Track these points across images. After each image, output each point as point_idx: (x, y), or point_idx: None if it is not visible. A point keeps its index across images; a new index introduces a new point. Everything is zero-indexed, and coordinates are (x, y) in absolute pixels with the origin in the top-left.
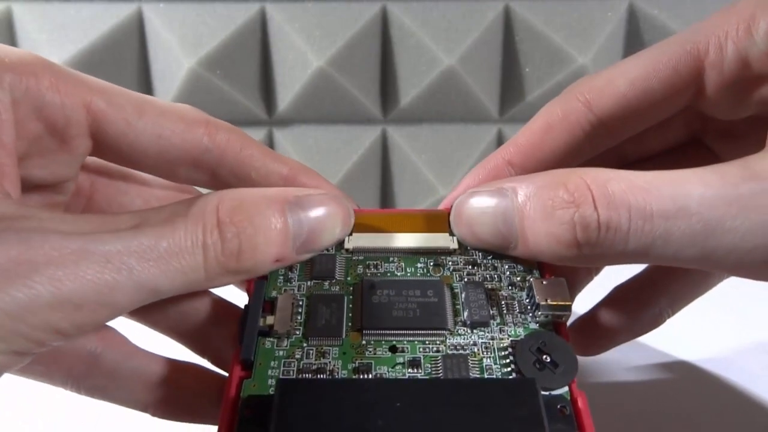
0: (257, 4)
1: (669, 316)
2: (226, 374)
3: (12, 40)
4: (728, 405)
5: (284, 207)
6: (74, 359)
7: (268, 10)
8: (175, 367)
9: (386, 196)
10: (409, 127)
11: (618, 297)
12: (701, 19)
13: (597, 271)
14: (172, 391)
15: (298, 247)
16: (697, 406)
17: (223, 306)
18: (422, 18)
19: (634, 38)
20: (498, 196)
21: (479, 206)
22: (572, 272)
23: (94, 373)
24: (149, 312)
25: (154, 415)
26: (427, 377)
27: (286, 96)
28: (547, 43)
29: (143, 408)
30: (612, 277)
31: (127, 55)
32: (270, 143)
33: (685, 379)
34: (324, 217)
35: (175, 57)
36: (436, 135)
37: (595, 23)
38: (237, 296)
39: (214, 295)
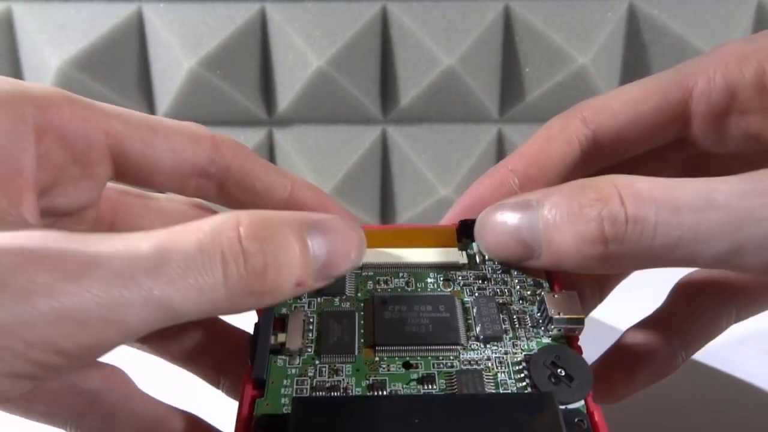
0: (257, 4)
1: (683, 360)
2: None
3: (12, 40)
4: (741, 407)
5: (303, 228)
6: (74, 398)
7: (268, 10)
8: (171, 413)
9: (386, 197)
10: (409, 127)
11: (629, 339)
12: (701, 20)
13: (607, 289)
14: None
15: (317, 271)
16: (705, 410)
17: (236, 335)
18: (422, 18)
19: (634, 38)
20: (523, 206)
21: (504, 218)
22: (581, 288)
23: (93, 412)
24: (165, 341)
25: None
26: (442, 393)
27: (286, 96)
28: (547, 43)
29: None
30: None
31: (127, 55)
32: (270, 143)
33: (696, 384)
34: (341, 240)
35: (175, 57)
36: (436, 135)
37: (595, 23)
38: (247, 322)
39: (228, 323)
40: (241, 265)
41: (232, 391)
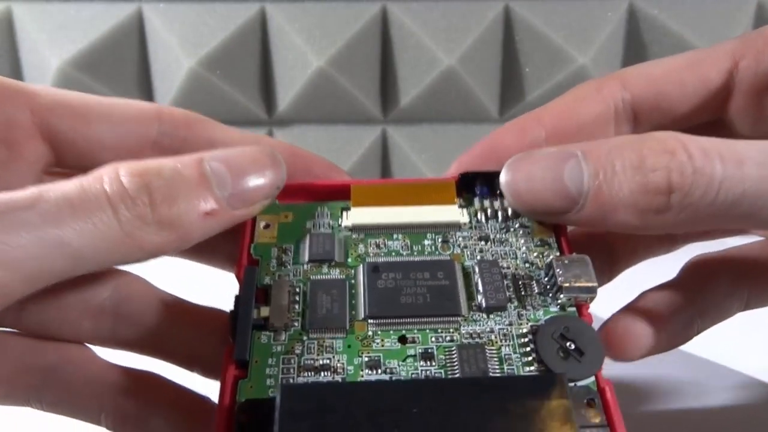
0: (257, 4)
1: (699, 330)
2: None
3: (12, 40)
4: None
5: (199, 159)
6: (30, 376)
7: (268, 10)
8: (130, 375)
9: None
10: (409, 127)
11: (644, 301)
12: (701, 20)
13: (619, 267)
14: (126, 402)
15: (228, 197)
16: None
17: (207, 316)
18: (422, 18)
19: (634, 38)
20: (564, 155)
21: (542, 165)
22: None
23: (51, 386)
24: (137, 338)
25: (109, 428)
26: (442, 372)
27: (286, 96)
28: (547, 43)
29: (98, 420)
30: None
31: (127, 55)
32: None
33: (704, 374)
34: (247, 160)
35: (175, 57)
36: (436, 135)
37: (595, 23)
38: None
39: (196, 305)
40: (127, 198)
41: (211, 372)
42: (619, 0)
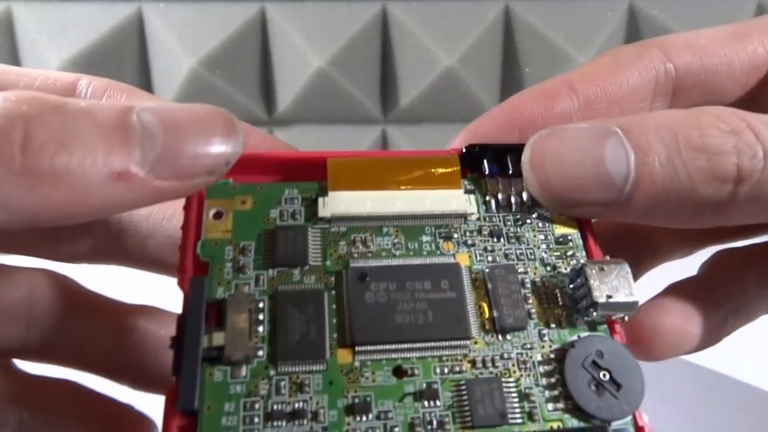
0: (257, 4)
1: (731, 330)
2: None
3: (12, 40)
4: None
5: (125, 106)
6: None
7: (268, 10)
8: (37, 384)
9: None
10: (409, 127)
11: (673, 294)
12: (701, 20)
13: (644, 267)
14: (31, 416)
15: (153, 160)
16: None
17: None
18: (422, 18)
19: (634, 38)
20: (601, 130)
21: (574, 142)
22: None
23: None
24: (50, 349)
25: None
26: (449, 414)
27: (286, 96)
28: (547, 43)
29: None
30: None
31: (127, 55)
32: None
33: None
34: (184, 111)
35: (175, 57)
36: (436, 135)
37: (595, 23)
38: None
39: (123, 304)
40: None
41: (143, 385)
42: (619, 0)
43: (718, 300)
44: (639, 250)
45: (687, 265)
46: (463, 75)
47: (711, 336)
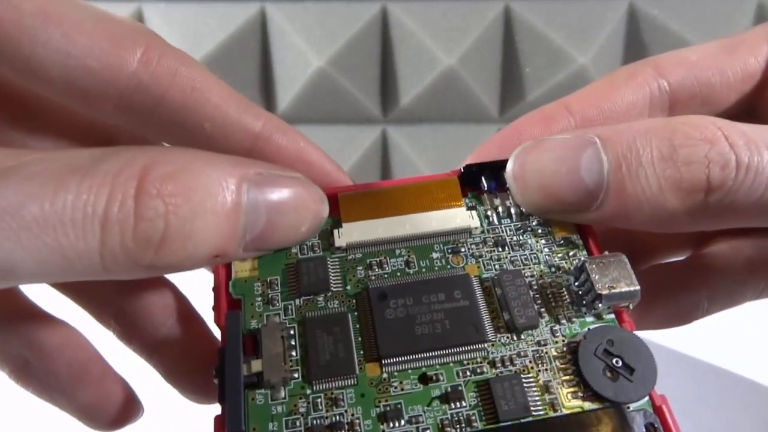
0: (257, 4)
1: (705, 313)
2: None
3: None
4: None
5: (241, 184)
6: (10, 361)
7: (268, 10)
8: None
9: None
10: (409, 127)
11: (652, 273)
12: (701, 20)
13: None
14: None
15: (248, 242)
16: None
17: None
18: (422, 18)
19: (634, 38)
20: (580, 142)
21: (554, 155)
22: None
23: (30, 375)
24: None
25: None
26: (475, 413)
27: (286, 96)
28: (547, 43)
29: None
30: None
31: None
32: None
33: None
34: (294, 209)
35: None
36: (436, 135)
37: (595, 23)
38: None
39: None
40: (128, 232)
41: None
42: (619, 0)
43: (697, 284)
44: (637, 248)
45: None
46: (463, 75)
47: (682, 317)
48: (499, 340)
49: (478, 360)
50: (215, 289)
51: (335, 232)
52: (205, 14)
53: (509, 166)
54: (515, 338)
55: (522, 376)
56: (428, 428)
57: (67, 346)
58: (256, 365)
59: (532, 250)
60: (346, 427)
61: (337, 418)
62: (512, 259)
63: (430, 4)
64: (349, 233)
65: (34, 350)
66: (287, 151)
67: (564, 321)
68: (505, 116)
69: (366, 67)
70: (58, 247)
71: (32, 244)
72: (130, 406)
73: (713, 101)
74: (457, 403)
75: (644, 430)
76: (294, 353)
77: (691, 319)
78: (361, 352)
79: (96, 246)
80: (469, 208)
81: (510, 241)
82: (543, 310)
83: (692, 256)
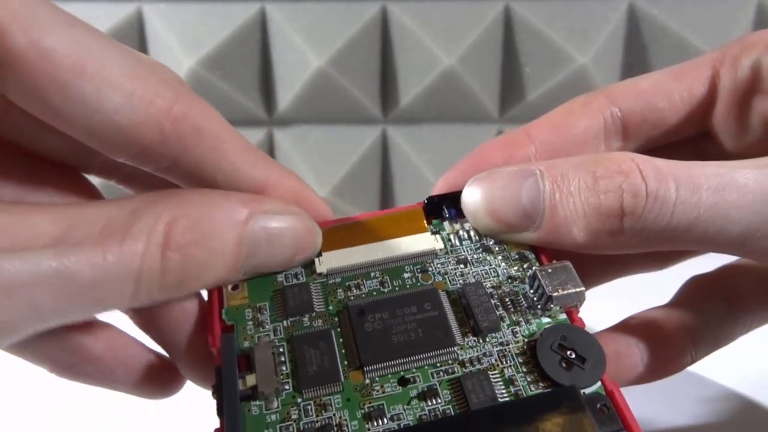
0: (257, 4)
1: (692, 360)
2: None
3: None
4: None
5: (247, 219)
6: (58, 352)
7: (268, 10)
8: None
9: (386, 197)
10: (409, 127)
11: (636, 322)
12: (701, 20)
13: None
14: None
15: (249, 268)
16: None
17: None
18: (422, 18)
19: (634, 38)
20: (524, 173)
21: (500, 182)
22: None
23: (80, 364)
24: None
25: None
26: (450, 407)
27: (286, 96)
28: (547, 43)
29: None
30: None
31: None
32: (270, 143)
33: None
34: (290, 243)
35: (175, 57)
36: (436, 135)
37: (595, 23)
38: None
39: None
40: (154, 279)
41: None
42: (619, 0)
43: (681, 329)
44: (586, 265)
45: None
46: (463, 75)
47: (670, 366)
48: (467, 343)
49: (449, 361)
50: (208, 315)
51: (316, 260)
52: (205, 14)
53: (463, 195)
54: (481, 341)
55: (489, 372)
56: (409, 423)
57: (113, 349)
58: (251, 380)
59: (491, 265)
60: (335, 428)
61: (327, 421)
62: (474, 273)
63: (430, 4)
64: (329, 260)
65: (79, 357)
66: (287, 194)
67: (522, 323)
68: (505, 116)
69: (366, 67)
70: (100, 299)
71: (82, 301)
72: (175, 378)
73: (663, 124)
74: (433, 400)
75: (597, 409)
76: (284, 368)
77: (681, 368)
78: (345, 362)
79: (129, 293)
80: (434, 233)
81: (471, 259)
82: (504, 314)
83: (674, 299)
